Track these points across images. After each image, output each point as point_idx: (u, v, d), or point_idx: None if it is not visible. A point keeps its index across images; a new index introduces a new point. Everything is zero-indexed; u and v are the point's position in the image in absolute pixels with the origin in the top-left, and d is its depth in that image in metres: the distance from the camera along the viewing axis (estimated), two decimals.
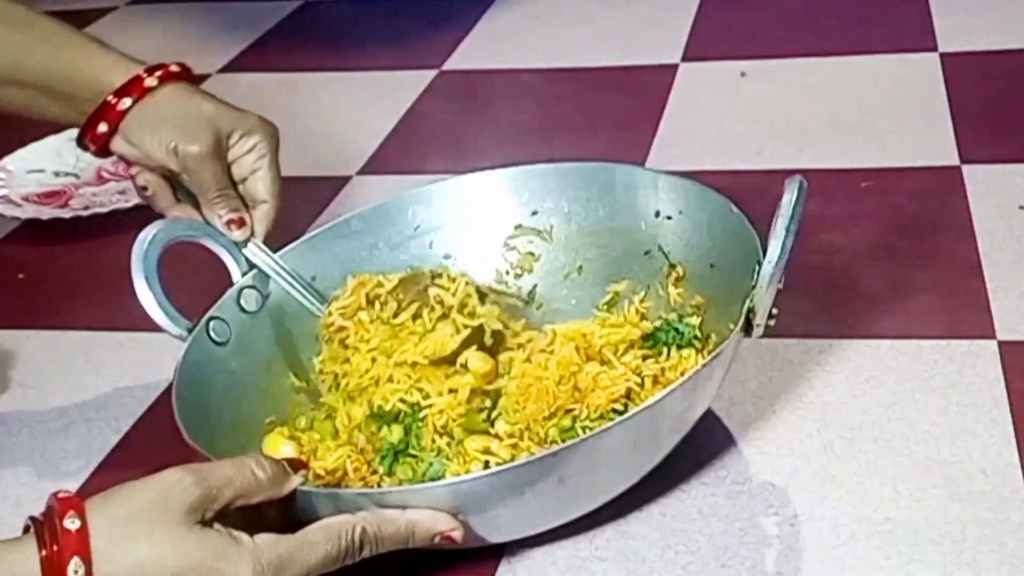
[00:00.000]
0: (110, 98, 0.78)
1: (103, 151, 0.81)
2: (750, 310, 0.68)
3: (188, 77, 0.81)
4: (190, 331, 0.74)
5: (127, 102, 0.78)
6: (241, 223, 0.79)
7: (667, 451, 0.68)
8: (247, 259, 0.79)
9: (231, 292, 0.78)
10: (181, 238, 0.78)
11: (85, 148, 0.81)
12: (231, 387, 0.76)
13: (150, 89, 0.78)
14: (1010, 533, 0.65)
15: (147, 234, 0.75)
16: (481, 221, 0.85)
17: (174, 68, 0.80)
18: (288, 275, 0.80)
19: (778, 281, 0.66)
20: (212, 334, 0.76)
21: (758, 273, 0.67)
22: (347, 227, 0.84)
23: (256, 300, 0.79)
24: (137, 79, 0.78)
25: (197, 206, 0.80)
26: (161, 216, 0.80)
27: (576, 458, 0.62)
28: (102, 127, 0.79)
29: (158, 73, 0.79)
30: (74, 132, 1.23)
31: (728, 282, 0.75)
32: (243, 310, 0.79)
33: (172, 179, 0.81)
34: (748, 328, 0.68)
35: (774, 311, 0.68)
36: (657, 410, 0.63)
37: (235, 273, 0.79)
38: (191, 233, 0.78)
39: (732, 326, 0.69)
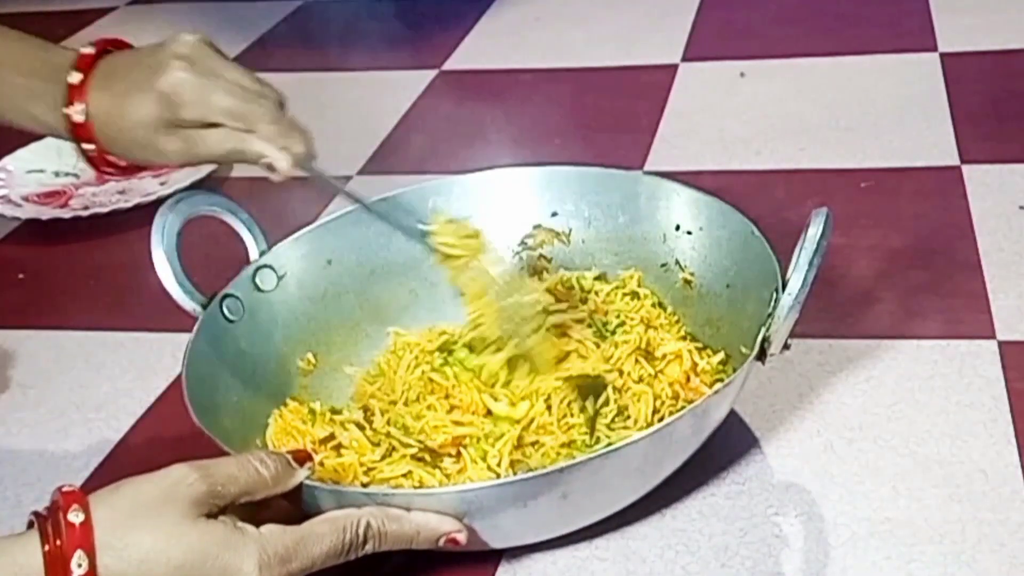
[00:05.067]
0: (85, 147, 0.74)
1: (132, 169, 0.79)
2: (766, 339, 0.67)
3: (88, 63, 0.74)
4: (204, 307, 0.75)
5: (91, 146, 0.74)
6: (270, 168, 0.72)
7: (670, 472, 0.68)
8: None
9: (247, 270, 0.79)
10: (203, 212, 0.77)
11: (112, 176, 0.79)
12: (240, 366, 0.76)
13: (82, 123, 0.73)
14: (1010, 533, 0.65)
15: (169, 207, 0.75)
16: (500, 217, 0.85)
17: (73, 80, 0.73)
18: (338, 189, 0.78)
19: (796, 312, 0.66)
20: (225, 311, 0.76)
21: (776, 302, 0.67)
22: (366, 213, 0.84)
23: (272, 279, 0.79)
24: (67, 119, 0.73)
25: None
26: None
27: (580, 476, 0.62)
28: (109, 171, 0.77)
29: (75, 107, 0.73)
30: None
31: (743, 303, 0.75)
32: (258, 289, 0.79)
33: None
34: (762, 355, 0.68)
35: (789, 341, 0.68)
36: (665, 433, 0.63)
37: (253, 251, 0.79)
38: (213, 207, 0.78)
39: (744, 349, 0.69)
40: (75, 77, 0.73)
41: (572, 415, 0.71)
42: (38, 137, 1.23)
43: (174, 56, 0.71)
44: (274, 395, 0.77)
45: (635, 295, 0.81)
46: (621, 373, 0.74)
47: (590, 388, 0.73)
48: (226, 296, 0.76)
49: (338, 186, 0.77)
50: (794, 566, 0.65)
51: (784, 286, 0.66)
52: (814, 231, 0.65)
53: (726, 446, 0.73)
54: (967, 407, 0.75)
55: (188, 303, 0.74)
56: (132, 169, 0.78)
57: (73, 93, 0.73)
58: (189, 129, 0.72)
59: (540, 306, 0.75)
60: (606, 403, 0.73)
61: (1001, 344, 0.80)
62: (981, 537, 0.65)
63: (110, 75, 0.73)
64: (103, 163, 0.76)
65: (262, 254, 0.80)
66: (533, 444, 0.71)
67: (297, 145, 0.72)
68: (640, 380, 0.74)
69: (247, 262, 0.79)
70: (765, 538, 0.67)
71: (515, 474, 0.68)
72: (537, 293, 0.76)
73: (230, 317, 0.76)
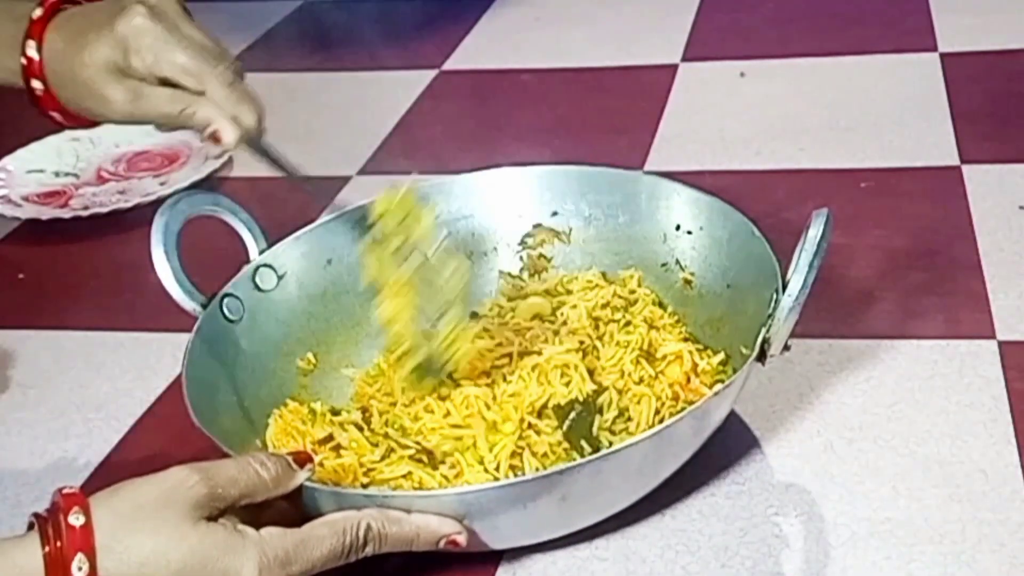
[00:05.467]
0: (33, 84, 0.74)
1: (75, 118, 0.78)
2: (766, 340, 0.67)
3: (52, 5, 0.75)
4: (204, 306, 0.75)
5: (39, 85, 0.75)
6: (214, 139, 0.72)
7: (670, 473, 0.67)
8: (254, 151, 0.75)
9: (247, 269, 0.79)
10: (203, 212, 0.77)
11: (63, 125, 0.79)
12: (239, 366, 0.76)
13: (34, 60, 0.74)
14: (1010, 533, 0.65)
15: (168, 206, 0.75)
16: (500, 217, 0.85)
17: (35, 15, 0.74)
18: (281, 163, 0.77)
19: (796, 314, 0.66)
20: (225, 311, 0.76)
21: (776, 302, 0.67)
22: (367, 212, 0.84)
23: (272, 279, 0.80)
24: (26, 64, 0.74)
25: None
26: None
27: (580, 478, 0.62)
28: (56, 116, 0.77)
29: (30, 43, 0.74)
30: (74, 132, 1.25)
31: (743, 303, 0.74)
32: (259, 288, 0.79)
33: None
34: (762, 356, 0.68)
35: (789, 342, 0.68)
36: (665, 435, 0.63)
37: (253, 250, 0.79)
38: (213, 207, 0.78)
39: (744, 349, 0.69)
40: (37, 12, 0.73)
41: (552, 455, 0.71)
42: (38, 137, 1.23)
43: (139, 2, 0.71)
44: (274, 395, 0.77)
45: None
46: (622, 374, 0.74)
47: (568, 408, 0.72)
48: (226, 296, 0.76)
49: (285, 166, 0.75)
50: (794, 566, 0.65)
51: (784, 287, 0.66)
52: (814, 232, 0.65)
53: (726, 446, 0.73)
54: (967, 407, 0.75)
55: (188, 303, 0.74)
56: (80, 120, 0.77)
57: (31, 29, 0.73)
58: (138, 81, 0.72)
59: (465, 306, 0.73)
60: (589, 414, 0.72)
61: (1001, 344, 0.80)
62: (981, 537, 0.65)
63: (71, 17, 0.74)
64: (52, 107, 0.75)
65: (262, 253, 0.80)
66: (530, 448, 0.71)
67: (248, 116, 0.72)
68: (640, 381, 0.74)
69: (247, 261, 0.79)
70: (765, 538, 0.67)
71: (514, 476, 0.68)
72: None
73: (230, 317, 0.76)
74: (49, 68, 0.73)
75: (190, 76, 0.71)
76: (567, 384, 0.72)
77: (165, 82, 0.72)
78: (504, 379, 0.73)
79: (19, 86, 0.75)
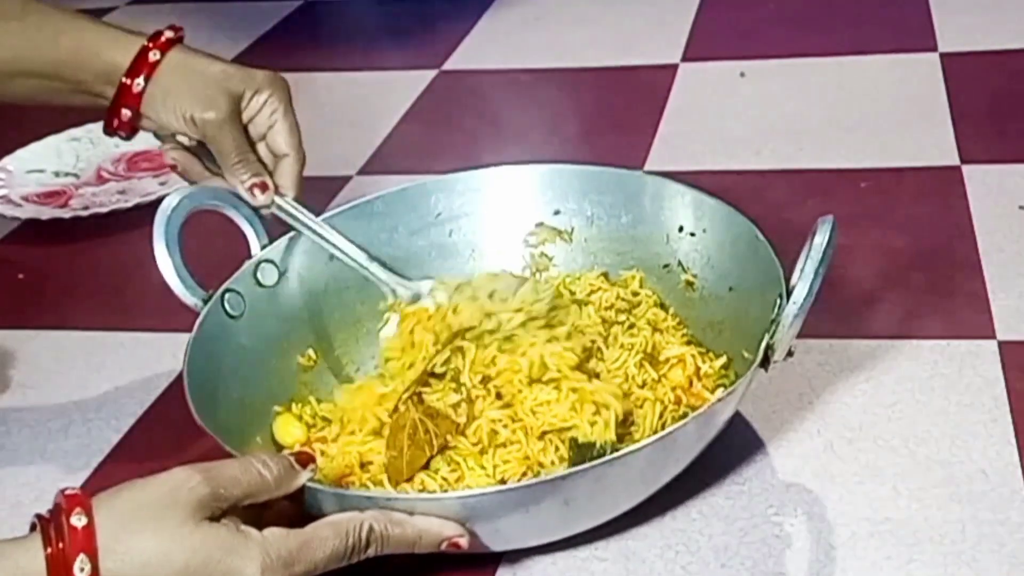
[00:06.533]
0: (124, 80, 0.77)
1: (132, 133, 0.81)
2: (769, 346, 0.67)
3: (181, 39, 0.81)
4: (205, 302, 0.75)
5: (140, 82, 0.77)
6: (263, 187, 0.79)
7: (672, 476, 0.67)
8: (281, 218, 0.80)
9: (249, 265, 0.79)
10: (205, 206, 0.78)
11: (114, 134, 0.81)
12: (240, 362, 0.76)
13: (156, 63, 0.78)
14: (1010, 533, 0.65)
15: (171, 201, 0.75)
16: (503, 215, 0.85)
17: (169, 34, 0.79)
18: (321, 231, 0.80)
19: (801, 321, 0.66)
20: (227, 307, 0.76)
21: (780, 308, 0.67)
22: (369, 208, 0.84)
23: (274, 275, 0.80)
24: (142, 55, 0.78)
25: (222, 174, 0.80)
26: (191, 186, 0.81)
27: (583, 482, 0.62)
28: (126, 113, 0.79)
29: (160, 42, 0.78)
30: (74, 132, 1.25)
31: (746, 306, 0.74)
32: (260, 284, 0.79)
33: (200, 151, 0.81)
34: (765, 362, 0.68)
35: (792, 348, 0.67)
36: (668, 441, 0.63)
37: (255, 246, 0.79)
38: (215, 202, 0.78)
39: (746, 353, 0.69)
40: (154, 56, 0.78)
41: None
42: (38, 137, 1.23)
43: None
44: (275, 391, 0.78)
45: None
46: (626, 377, 0.74)
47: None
48: (227, 291, 0.77)
49: (312, 230, 0.80)
50: (794, 566, 0.65)
51: (788, 292, 0.66)
52: (820, 239, 0.65)
53: (727, 446, 0.73)
54: (967, 407, 0.75)
55: (189, 298, 0.75)
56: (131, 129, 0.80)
57: (141, 64, 0.78)
58: (242, 132, 0.79)
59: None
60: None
61: (1001, 344, 0.80)
62: (981, 537, 0.65)
63: (189, 69, 0.79)
64: (127, 102, 0.78)
65: (264, 249, 0.80)
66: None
67: (293, 193, 0.80)
68: (644, 385, 0.73)
69: (248, 257, 0.79)
70: (765, 538, 0.67)
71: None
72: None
73: (231, 312, 0.76)
74: (162, 75, 0.78)
75: (291, 149, 0.80)
76: (592, 424, 0.70)
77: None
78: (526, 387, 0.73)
79: (84, 85, 0.78)
